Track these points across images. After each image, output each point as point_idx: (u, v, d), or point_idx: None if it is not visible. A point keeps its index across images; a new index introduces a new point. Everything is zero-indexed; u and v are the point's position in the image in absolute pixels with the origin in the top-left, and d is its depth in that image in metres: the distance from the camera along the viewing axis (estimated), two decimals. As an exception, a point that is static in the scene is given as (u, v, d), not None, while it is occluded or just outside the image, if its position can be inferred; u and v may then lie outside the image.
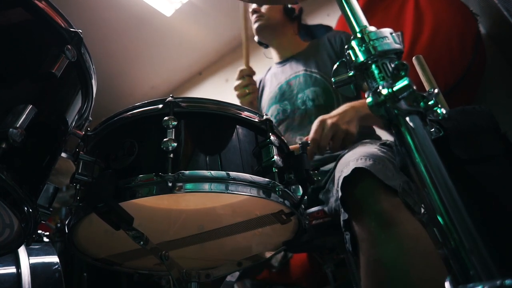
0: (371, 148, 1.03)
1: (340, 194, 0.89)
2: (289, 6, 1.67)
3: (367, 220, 0.82)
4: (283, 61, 1.71)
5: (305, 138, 1.18)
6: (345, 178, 0.88)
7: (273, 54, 1.79)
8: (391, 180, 0.85)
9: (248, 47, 1.77)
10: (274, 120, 1.47)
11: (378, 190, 0.85)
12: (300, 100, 1.49)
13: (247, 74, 1.72)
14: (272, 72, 1.74)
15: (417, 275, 0.70)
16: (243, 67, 1.74)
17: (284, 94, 1.57)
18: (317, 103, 1.45)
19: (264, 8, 1.67)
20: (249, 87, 1.70)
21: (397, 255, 0.74)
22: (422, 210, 0.82)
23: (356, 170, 0.88)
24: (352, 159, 0.94)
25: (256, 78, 1.81)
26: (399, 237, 0.76)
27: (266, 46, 1.84)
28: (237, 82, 1.72)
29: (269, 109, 1.58)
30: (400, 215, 0.79)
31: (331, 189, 1.17)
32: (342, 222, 0.91)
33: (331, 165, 1.23)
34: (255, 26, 1.68)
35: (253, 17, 1.69)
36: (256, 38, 1.77)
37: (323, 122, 1.11)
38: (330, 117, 1.13)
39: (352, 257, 0.88)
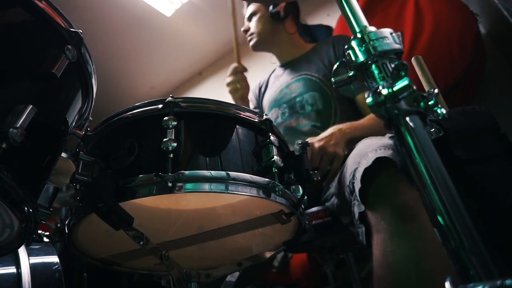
0: (386, 140, 1.01)
1: (360, 185, 0.87)
2: (273, 10, 1.68)
3: (388, 211, 0.81)
4: (286, 64, 1.71)
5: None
6: (365, 169, 0.87)
7: (276, 58, 1.80)
8: None
9: (238, 45, 1.82)
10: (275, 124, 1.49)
11: (401, 180, 0.84)
12: (298, 104, 1.50)
13: (240, 71, 1.77)
14: (276, 74, 1.75)
15: (433, 267, 0.71)
16: (235, 64, 1.78)
17: (284, 97, 1.57)
18: (316, 108, 1.45)
19: (252, 26, 1.71)
20: (240, 83, 1.74)
21: (416, 247, 0.75)
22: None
23: (377, 160, 0.86)
24: (370, 150, 0.92)
25: (260, 78, 1.82)
26: (418, 230, 0.76)
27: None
28: (229, 79, 1.76)
29: (269, 112, 1.59)
30: (422, 208, 0.78)
31: (331, 186, 1.17)
32: (357, 215, 0.89)
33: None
34: (250, 44, 1.74)
35: (247, 37, 1.74)
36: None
37: (311, 146, 1.12)
38: (318, 141, 1.16)
39: (365, 250, 0.88)
